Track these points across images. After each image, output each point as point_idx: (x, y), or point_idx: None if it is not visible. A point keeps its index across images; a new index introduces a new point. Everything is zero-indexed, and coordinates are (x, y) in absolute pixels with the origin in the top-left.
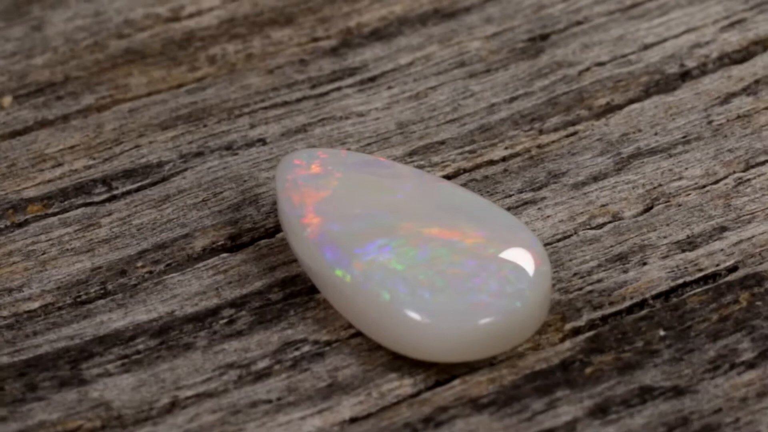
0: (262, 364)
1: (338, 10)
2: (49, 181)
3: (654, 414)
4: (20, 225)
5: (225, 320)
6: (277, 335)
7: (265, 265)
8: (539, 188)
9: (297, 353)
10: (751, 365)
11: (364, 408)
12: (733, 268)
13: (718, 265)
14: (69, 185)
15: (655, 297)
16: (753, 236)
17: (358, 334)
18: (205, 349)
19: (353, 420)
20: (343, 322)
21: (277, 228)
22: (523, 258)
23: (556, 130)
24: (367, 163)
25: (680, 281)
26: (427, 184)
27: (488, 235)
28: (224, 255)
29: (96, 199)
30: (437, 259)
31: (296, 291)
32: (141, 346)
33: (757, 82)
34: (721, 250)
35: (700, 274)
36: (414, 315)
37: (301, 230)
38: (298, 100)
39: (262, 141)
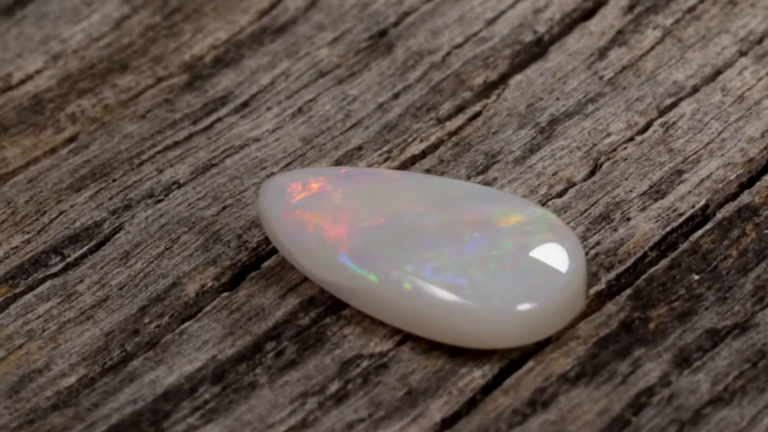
0: (334, 387)
1: (165, 48)
2: None
3: (732, 352)
4: None
5: (273, 353)
6: (329, 357)
7: (273, 294)
8: (485, 170)
9: (359, 370)
10: None
11: (452, 407)
12: (705, 206)
13: (693, 206)
14: (21, 262)
15: (653, 248)
16: (710, 173)
17: (406, 339)
18: (271, 384)
19: (454, 419)
20: (386, 331)
21: (260, 257)
22: (559, 232)
23: (454, 115)
24: (354, 174)
25: (669, 228)
26: (424, 181)
27: (514, 215)
28: (225, 294)
29: (55, 269)
30: (478, 247)
31: (321, 312)
32: (207, 395)
33: (620, 32)
34: (689, 192)
35: (684, 218)
36: (477, 304)
37: (326, 251)
38: (188, 138)
39: (177, 183)
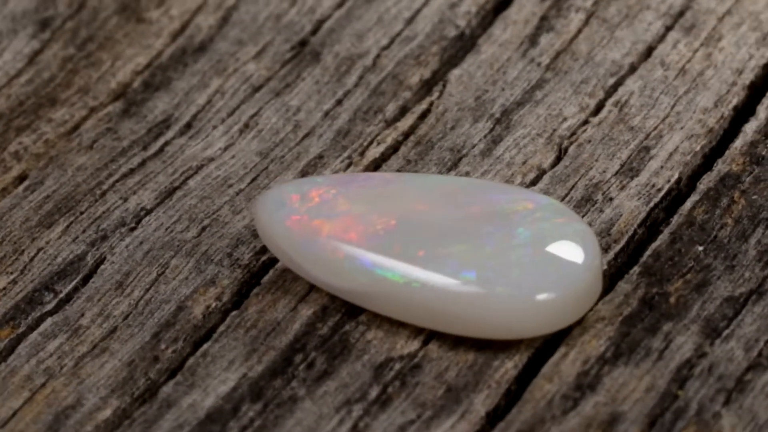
0: (374, 392)
1: (89, 78)
2: None
3: (755, 318)
4: (7, 353)
5: (303, 365)
6: (359, 363)
7: (284, 308)
8: (455, 165)
9: (393, 372)
10: None
11: (494, 399)
12: (679, 180)
13: (669, 180)
14: (16, 302)
15: (641, 224)
16: (676, 147)
17: (430, 337)
18: (311, 396)
19: (502, 411)
20: (408, 332)
21: (255, 273)
22: (569, 217)
23: (402, 115)
24: (350, 180)
25: (653, 204)
26: (420, 180)
27: (521, 203)
28: (234, 313)
29: (51, 306)
30: (496, 239)
31: (338, 320)
32: (251, 413)
33: (543, 18)
34: (661, 167)
35: (663, 192)
36: (503, 296)
37: (343, 257)
38: (142, 164)
39: (145, 209)
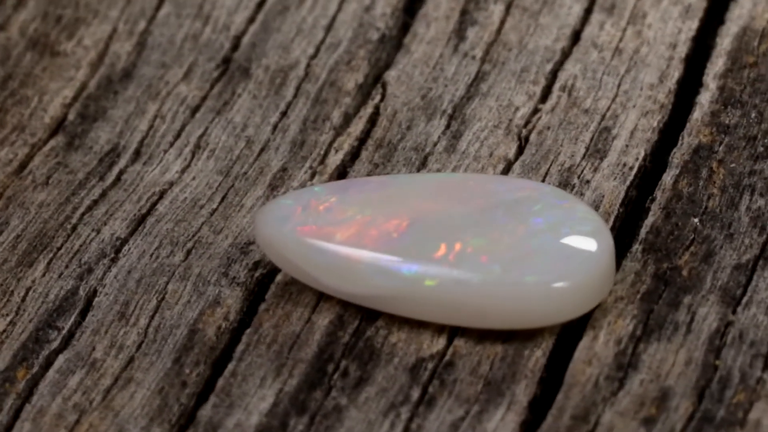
0: (416, 394)
1: (21, 116)
2: None
3: None
4: (27, 393)
5: (338, 374)
6: (392, 367)
7: (298, 320)
8: (424, 164)
9: (428, 372)
10: None
11: (533, 388)
12: (647, 156)
13: (638, 158)
14: (22, 344)
15: (623, 204)
16: (635, 125)
17: (453, 333)
18: (354, 404)
19: (546, 399)
20: (430, 331)
21: (253, 290)
22: (573, 201)
23: (350, 120)
24: (347, 187)
25: (629, 182)
26: (416, 180)
27: (523, 192)
28: (248, 331)
29: (57, 343)
30: (511, 230)
31: (358, 327)
32: (300, 427)
33: (463, 12)
34: (626, 145)
35: (636, 169)
36: (531, 280)
37: (360, 264)
38: (104, 195)
39: (120, 239)
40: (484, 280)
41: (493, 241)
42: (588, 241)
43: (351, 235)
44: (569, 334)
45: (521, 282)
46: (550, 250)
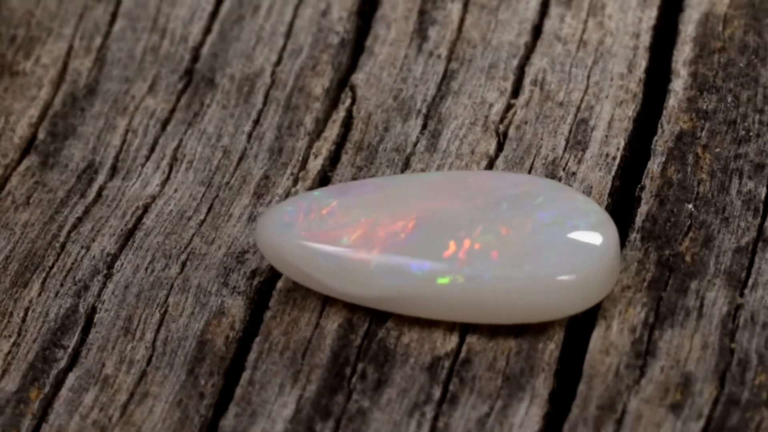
0: (437, 393)
1: None
2: (7, 372)
3: None
4: (42, 413)
5: (356, 378)
6: (409, 367)
7: (306, 326)
8: (406, 164)
9: (446, 371)
10: (758, 169)
11: (551, 381)
12: (626, 145)
13: (619, 148)
14: (30, 364)
15: (611, 194)
16: (611, 115)
17: (464, 330)
18: (377, 406)
19: (567, 391)
20: (441, 329)
21: (254, 299)
22: (573, 193)
23: (323, 125)
24: (345, 191)
25: (614, 173)
26: (414, 179)
27: (523, 186)
28: (257, 339)
29: (65, 362)
30: (517, 224)
31: (369, 329)
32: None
33: (421, 12)
34: (606, 136)
35: (619, 159)
36: (544, 273)
37: (371, 266)
38: (87, 212)
39: (111, 255)
40: (496, 276)
41: (501, 236)
42: (594, 232)
43: (358, 238)
44: (578, 325)
45: (534, 276)
46: (558, 244)
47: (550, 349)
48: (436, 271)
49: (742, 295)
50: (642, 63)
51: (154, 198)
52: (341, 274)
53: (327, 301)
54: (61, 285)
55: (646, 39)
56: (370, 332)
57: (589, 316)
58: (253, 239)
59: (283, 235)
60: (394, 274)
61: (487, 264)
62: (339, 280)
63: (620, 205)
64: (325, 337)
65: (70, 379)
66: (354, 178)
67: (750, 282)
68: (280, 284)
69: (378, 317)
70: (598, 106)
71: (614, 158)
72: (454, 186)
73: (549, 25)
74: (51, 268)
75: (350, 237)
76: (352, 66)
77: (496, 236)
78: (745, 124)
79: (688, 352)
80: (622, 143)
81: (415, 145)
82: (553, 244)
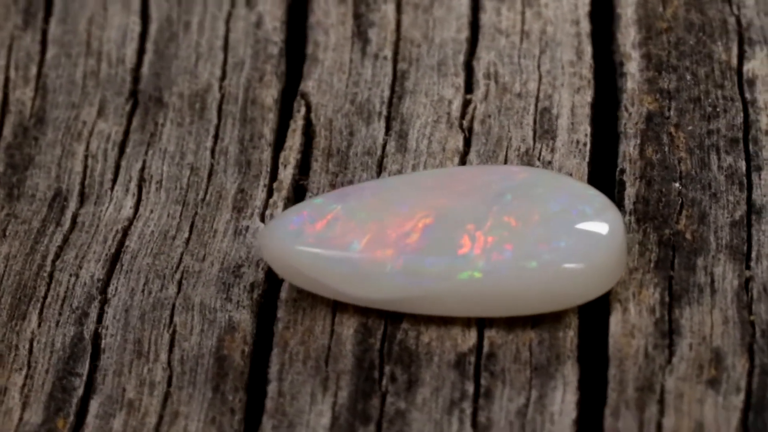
0: (470, 389)
1: None
2: (27, 405)
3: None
4: None
5: (387, 380)
6: (436, 366)
7: (322, 333)
8: (380, 166)
9: (473, 366)
10: (733, 143)
11: (577, 368)
12: (594, 131)
13: (587, 134)
14: (49, 394)
15: (590, 180)
16: (571, 102)
17: (481, 326)
18: (413, 406)
19: (594, 376)
20: (458, 325)
21: (266, 308)
22: (565, 179)
23: (283, 136)
24: (344, 195)
25: (588, 158)
26: (414, 178)
27: (520, 176)
28: (275, 351)
29: (83, 390)
30: (524, 214)
31: (386, 332)
32: None
33: (357, 16)
34: (571, 123)
35: (589, 145)
36: (559, 261)
37: (380, 270)
38: (66, 240)
39: (101, 280)
40: (514, 268)
41: (512, 228)
42: (602, 217)
43: (369, 241)
44: (593, 311)
45: (551, 266)
46: (569, 231)
47: (570, 336)
48: (454, 268)
49: (748, 267)
50: (588, 49)
51: (131, 220)
52: (356, 279)
53: (337, 307)
54: (60, 314)
55: (585, 25)
56: (387, 334)
57: (599, 301)
58: (245, 252)
59: (292, 245)
60: (411, 274)
61: (504, 257)
62: (354, 285)
63: (600, 190)
64: (343, 342)
65: (94, 406)
66: (331, 184)
67: (753, 254)
68: (284, 294)
69: (392, 319)
70: (557, 94)
71: (585, 144)
72: (451, 183)
73: (486, 18)
74: (45, 298)
75: (361, 241)
76: (298, 74)
77: (507, 228)
78: (710, 100)
79: (711, 328)
80: (589, 129)
81: (384, 147)
82: (564, 232)
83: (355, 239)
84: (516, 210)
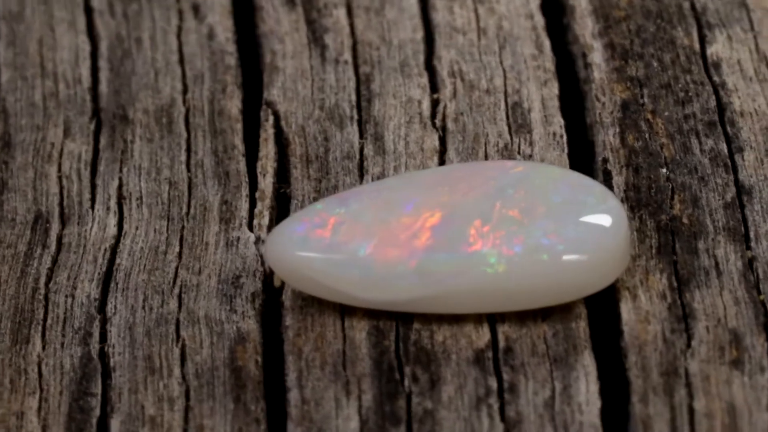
0: (493, 384)
1: None
2: (47, 427)
3: (762, 212)
4: None
5: (409, 379)
6: (455, 364)
7: (335, 338)
8: (363, 170)
9: (492, 362)
10: (711, 126)
11: (593, 357)
12: (567, 125)
13: (561, 126)
14: (67, 416)
15: (573, 169)
16: (541, 96)
17: (492, 321)
18: (440, 404)
19: (612, 365)
20: (469, 322)
21: (270, 317)
22: (562, 170)
23: (256, 148)
24: (344, 199)
25: (567, 150)
26: (414, 178)
27: (518, 168)
28: (290, 359)
29: (100, 410)
30: (529, 208)
31: (399, 333)
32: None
33: (309, 22)
34: (544, 117)
35: (565, 137)
36: (569, 253)
37: (393, 271)
38: (56, 261)
39: (98, 299)
40: (527, 262)
41: (519, 222)
42: (605, 206)
43: (378, 243)
44: (601, 300)
45: (562, 257)
46: (575, 222)
47: (582, 327)
48: (467, 265)
49: (749, 248)
50: (546, 42)
51: (117, 238)
52: (368, 282)
53: (344, 312)
54: (63, 335)
55: (539, 18)
56: (401, 336)
57: (603, 291)
58: (240, 263)
59: (300, 252)
60: (424, 274)
61: (515, 251)
62: (366, 288)
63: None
64: (358, 346)
65: (115, 425)
66: (316, 191)
67: (752, 234)
68: (288, 302)
69: (403, 320)
70: (524, 88)
71: (561, 136)
72: (449, 181)
73: (440, 18)
74: (44, 320)
75: (369, 243)
76: (258, 84)
77: (514, 223)
78: (680, 85)
79: (724, 310)
80: (562, 121)
81: (362, 150)
82: (570, 223)
83: (362, 242)
84: (519, 203)
